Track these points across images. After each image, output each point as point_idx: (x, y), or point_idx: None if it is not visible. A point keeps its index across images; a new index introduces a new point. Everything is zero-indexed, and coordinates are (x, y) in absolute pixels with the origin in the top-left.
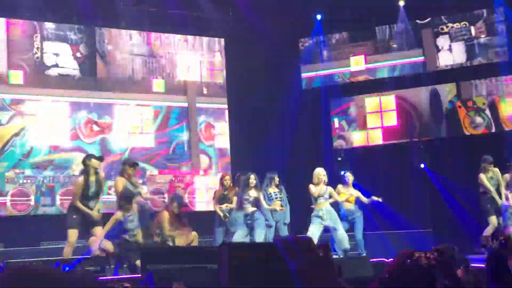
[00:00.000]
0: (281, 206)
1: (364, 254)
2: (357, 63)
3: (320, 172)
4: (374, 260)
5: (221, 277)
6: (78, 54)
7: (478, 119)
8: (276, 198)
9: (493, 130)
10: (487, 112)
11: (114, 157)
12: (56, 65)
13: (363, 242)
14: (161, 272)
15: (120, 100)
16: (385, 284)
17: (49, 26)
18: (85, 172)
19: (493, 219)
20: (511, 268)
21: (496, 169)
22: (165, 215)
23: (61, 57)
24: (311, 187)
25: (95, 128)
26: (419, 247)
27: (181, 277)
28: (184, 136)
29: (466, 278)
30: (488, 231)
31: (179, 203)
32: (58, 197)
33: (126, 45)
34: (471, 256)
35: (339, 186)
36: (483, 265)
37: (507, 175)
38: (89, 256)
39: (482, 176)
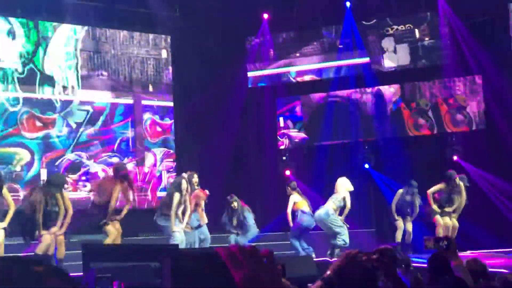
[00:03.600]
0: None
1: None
2: (303, 63)
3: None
4: (318, 259)
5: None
6: (21, 49)
7: (421, 121)
8: None
9: (435, 131)
10: (430, 113)
11: (57, 153)
12: None
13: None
14: (103, 270)
15: (64, 96)
16: (329, 283)
17: None
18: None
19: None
20: (454, 270)
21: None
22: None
23: (3, 51)
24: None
25: (38, 123)
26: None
27: (123, 275)
28: (129, 133)
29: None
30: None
31: None
32: None
33: (71, 40)
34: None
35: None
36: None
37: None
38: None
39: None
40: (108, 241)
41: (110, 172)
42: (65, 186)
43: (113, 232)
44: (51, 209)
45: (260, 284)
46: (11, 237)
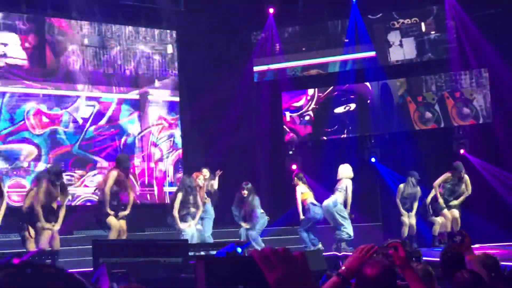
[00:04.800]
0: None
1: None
2: (309, 57)
3: None
4: (326, 254)
5: None
6: (27, 44)
7: (428, 114)
8: None
9: (442, 125)
10: (437, 107)
11: (64, 149)
12: (5, 55)
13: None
14: (113, 266)
15: (70, 92)
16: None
17: None
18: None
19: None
20: (468, 264)
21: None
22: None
23: (10, 47)
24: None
25: (44, 119)
26: (369, 241)
27: (133, 270)
28: (136, 128)
29: (417, 271)
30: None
31: None
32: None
33: (76, 36)
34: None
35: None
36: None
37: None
38: (40, 250)
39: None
40: (112, 234)
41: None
42: (63, 176)
43: (114, 225)
44: (51, 201)
45: (293, 286)
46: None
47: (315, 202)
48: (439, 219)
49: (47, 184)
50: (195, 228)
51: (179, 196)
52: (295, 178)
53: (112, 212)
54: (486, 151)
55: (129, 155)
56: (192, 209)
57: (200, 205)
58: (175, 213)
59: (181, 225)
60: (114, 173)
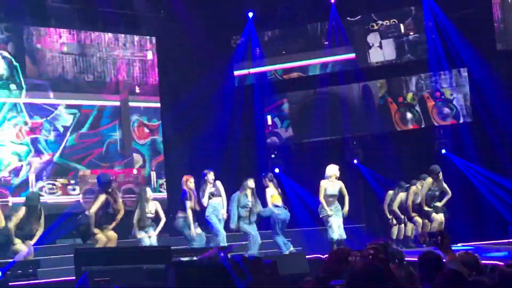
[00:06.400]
0: None
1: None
2: (289, 60)
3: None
4: (309, 256)
5: None
6: (6, 53)
7: (409, 115)
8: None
9: (423, 125)
10: (417, 107)
11: (45, 157)
12: None
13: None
14: (96, 274)
15: (50, 100)
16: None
17: None
18: None
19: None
20: (448, 264)
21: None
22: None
23: None
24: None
25: (25, 128)
26: (353, 242)
27: (116, 278)
28: (117, 135)
29: (398, 273)
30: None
31: None
32: None
33: (55, 43)
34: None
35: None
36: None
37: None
38: (20, 260)
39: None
40: (98, 246)
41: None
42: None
43: (102, 240)
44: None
45: None
46: None
47: (279, 204)
48: (438, 218)
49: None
50: (155, 239)
51: (138, 206)
52: (265, 179)
53: (98, 231)
54: (467, 150)
55: (111, 162)
56: (150, 220)
57: (163, 216)
58: (134, 221)
59: (138, 234)
60: (102, 198)
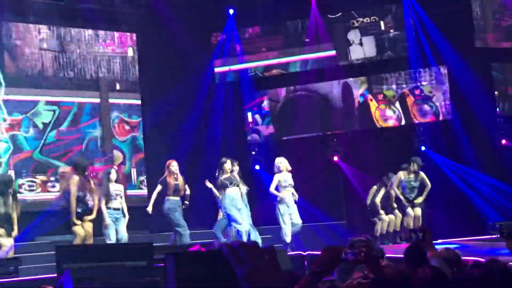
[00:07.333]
0: None
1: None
2: (270, 57)
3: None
4: (291, 253)
5: None
6: None
7: (389, 112)
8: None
9: (403, 122)
10: (397, 105)
11: (25, 154)
12: None
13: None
14: (77, 271)
15: (30, 96)
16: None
17: None
18: None
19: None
20: (430, 260)
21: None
22: None
23: None
24: None
25: (4, 125)
26: (335, 240)
27: (98, 276)
28: (97, 132)
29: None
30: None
31: None
32: None
33: (35, 40)
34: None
35: None
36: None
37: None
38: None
39: None
40: (76, 241)
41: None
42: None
43: (80, 233)
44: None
45: (262, 280)
46: None
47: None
48: (412, 213)
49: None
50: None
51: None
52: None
53: (79, 222)
54: (447, 147)
55: (91, 159)
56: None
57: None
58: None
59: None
60: (75, 179)
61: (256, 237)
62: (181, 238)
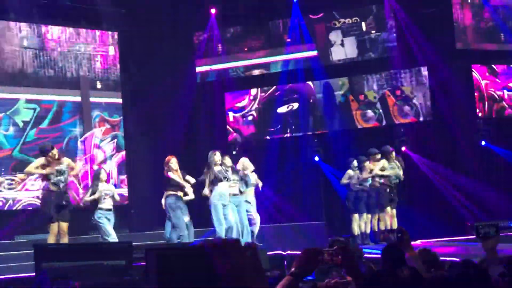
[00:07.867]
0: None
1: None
2: (251, 57)
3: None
4: (271, 253)
5: (150, 284)
6: None
7: (370, 113)
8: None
9: (384, 123)
10: (378, 105)
11: (4, 152)
12: None
13: None
14: (56, 270)
15: (10, 94)
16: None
17: None
18: None
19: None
20: (408, 261)
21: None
22: None
23: None
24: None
25: None
26: (314, 240)
27: (77, 274)
28: (78, 130)
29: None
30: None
31: None
32: None
33: (15, 37)
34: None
35: None
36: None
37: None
38: None
39: None
40: (50, 238)
41: None
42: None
43: (54, 229)
44: None
45: (244, 276)
46: None
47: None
48: (357, 216)
49: None
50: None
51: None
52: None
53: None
54: (427, 148)
55: (72, 158)
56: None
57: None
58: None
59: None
60: (40, 159)
61: (248, 234)
62: (182, 239)
